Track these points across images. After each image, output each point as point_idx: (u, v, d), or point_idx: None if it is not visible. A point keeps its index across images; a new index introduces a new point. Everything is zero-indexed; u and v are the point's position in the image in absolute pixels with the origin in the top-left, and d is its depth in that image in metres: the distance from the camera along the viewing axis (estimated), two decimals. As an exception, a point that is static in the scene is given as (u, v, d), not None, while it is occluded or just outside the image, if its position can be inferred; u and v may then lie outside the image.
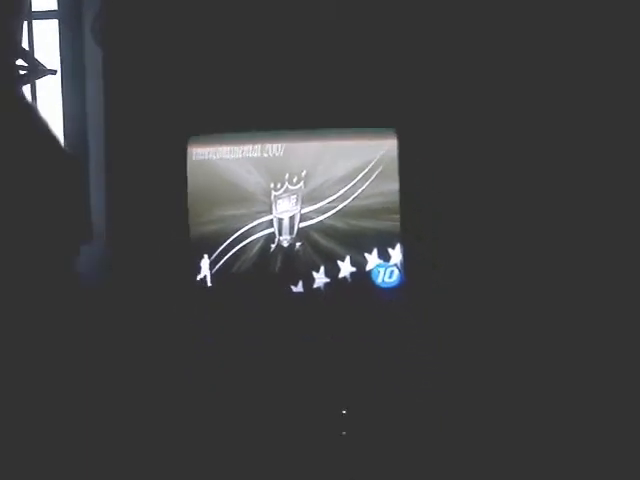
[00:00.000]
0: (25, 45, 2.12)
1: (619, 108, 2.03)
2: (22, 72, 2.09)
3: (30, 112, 2.06)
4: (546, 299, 2.06)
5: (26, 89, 2.13)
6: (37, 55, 2.16)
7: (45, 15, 2.40)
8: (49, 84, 2.34)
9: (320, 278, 2.07)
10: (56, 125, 2.34)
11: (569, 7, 2.03)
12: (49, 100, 2.36)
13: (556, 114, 2.07)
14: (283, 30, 2.15)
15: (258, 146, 2.10)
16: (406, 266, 2.03)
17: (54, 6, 2.41)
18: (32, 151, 2.02)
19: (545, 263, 2.07)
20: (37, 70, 2.14)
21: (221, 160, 2.13)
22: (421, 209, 2.06)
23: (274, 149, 2.09)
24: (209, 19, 2.18)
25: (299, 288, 2.08)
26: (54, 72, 2.21)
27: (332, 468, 1.87)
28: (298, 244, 2.08)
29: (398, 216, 2.02)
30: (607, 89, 2.03)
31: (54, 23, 2.39)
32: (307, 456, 1.93)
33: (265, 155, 2.10)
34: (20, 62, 2.07)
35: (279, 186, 2.09)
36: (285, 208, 2.09)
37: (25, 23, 2.11)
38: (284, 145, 2.09)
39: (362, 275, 2.04)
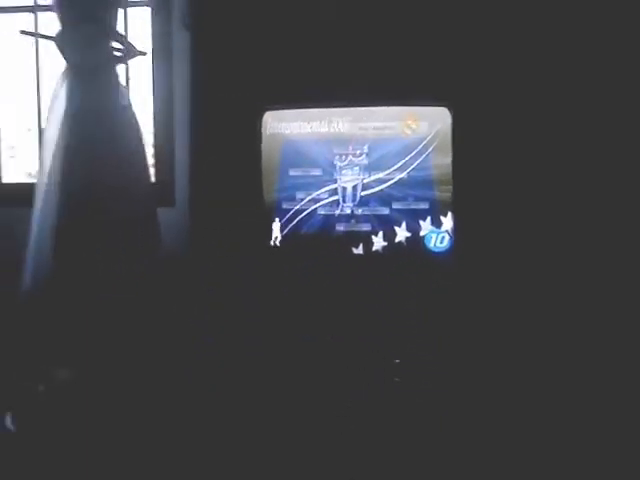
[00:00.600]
0: (120, 30, 2.33)
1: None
2: (117, 54, 2.31)
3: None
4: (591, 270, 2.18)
5: (120, 68, 2.35)
6: (130, 39, 2.36)
7: (138, 3, 2.57)
8: (141, 65, 2.51)
9: (378, 242, 2.23)
10: (146, 101, 2.54)
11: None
12: (141, 79, 2.55)
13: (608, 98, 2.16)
14: (352, 16, 2.30)
15: (326, 122, 2.26)
16: (456, 232, 2.19)
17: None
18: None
19: (587, 234, 2.20)
20: (130, 52, 2.35)
21: (292, 134, 2.28)
22: (472, 181, 2.19)
23: (340, 125, 2.26)
24: (284, 8, 2.34)
25: (359, 250, 2.24)
26: (144, 53, 2.41)
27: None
28: (359, 210, 2.25)
29: (451, 187, 2.18)
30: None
31: (146, 11, 2.56)
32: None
33: (332, 130, 2.26)
34: (116, 45, 2.30)
35: (344, 158, 2.25)
36: (349, 178, 2.25)
37: (121, 11, 2.34)
38: (349, 121, 2.25)
39: (416, 240, 2.21)
